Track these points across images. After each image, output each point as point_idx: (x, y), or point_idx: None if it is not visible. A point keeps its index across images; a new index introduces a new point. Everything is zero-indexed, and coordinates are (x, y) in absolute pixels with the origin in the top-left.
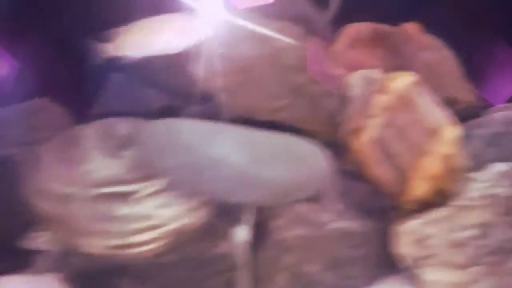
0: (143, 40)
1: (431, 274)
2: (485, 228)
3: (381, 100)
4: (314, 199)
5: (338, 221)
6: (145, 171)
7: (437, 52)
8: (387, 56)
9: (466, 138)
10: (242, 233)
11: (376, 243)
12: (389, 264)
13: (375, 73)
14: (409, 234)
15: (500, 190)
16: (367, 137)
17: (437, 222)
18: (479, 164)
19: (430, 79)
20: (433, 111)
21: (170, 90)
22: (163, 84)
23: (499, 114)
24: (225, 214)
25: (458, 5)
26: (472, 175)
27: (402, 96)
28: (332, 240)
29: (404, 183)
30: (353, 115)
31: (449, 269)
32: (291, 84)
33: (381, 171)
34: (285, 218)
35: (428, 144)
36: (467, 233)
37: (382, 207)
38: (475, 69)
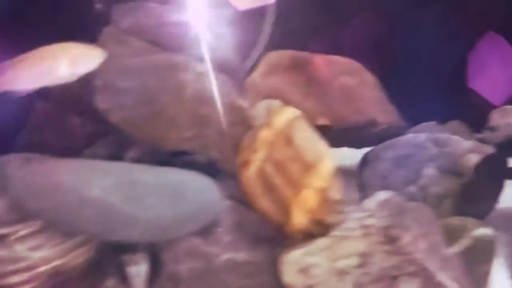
0: (35, 71)
1: None
2: (365, 257)
3: (264, 134)
4: (205, 231)
5: (229, 252)
6: (19, 213)
7: (356, 77)
8: (305, 82)
9: (377, 160)
10: (135, 269)
11: (268, 273)
12: None
13: (276, 104)
14: (293, 264)
15: (375, 221)
16: (252, 171)
17: (318, 252)
18: (386, 185)
19: (349, 102)
20: (311, 146)
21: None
22: (86, 111)
23: (408, 136)
24: (115, 250)
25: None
26: (353, 205)
27: (282, 131)
28: (224, 271)
29: (286, 215)
30: (244, 147)
31: None
32: (197, 115)
33: (264, 204)
34: (177, 251)
35: (305, 178)
36: (348, 262)
37: (273, 237)
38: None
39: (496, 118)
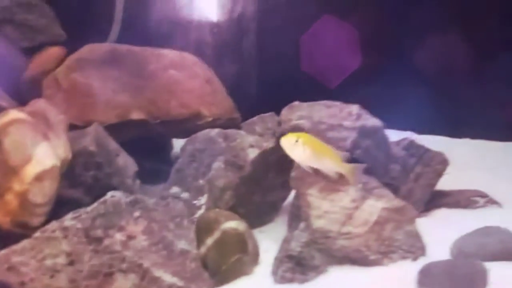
0: None
1: None
2: (72, 256)
3: None
4: None
5: None
6: None
7: (185, 70)
8: (123, 76)
9: (181, 153)
10: None
11: None
12: None
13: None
14: (2, 263)
15: (75, 223)
16: None
17: (24, 252)
18: (180, 179)
19: (173, 96)
20: (19, 150)
21: None
22: None
23: (205, 131)
24: None
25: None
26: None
27: None
28: None
29: None
30: None
31: None
32: None
33: None
34: None
35: (8, 182)
36: (57, 261)
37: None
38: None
39: (284, 113)
